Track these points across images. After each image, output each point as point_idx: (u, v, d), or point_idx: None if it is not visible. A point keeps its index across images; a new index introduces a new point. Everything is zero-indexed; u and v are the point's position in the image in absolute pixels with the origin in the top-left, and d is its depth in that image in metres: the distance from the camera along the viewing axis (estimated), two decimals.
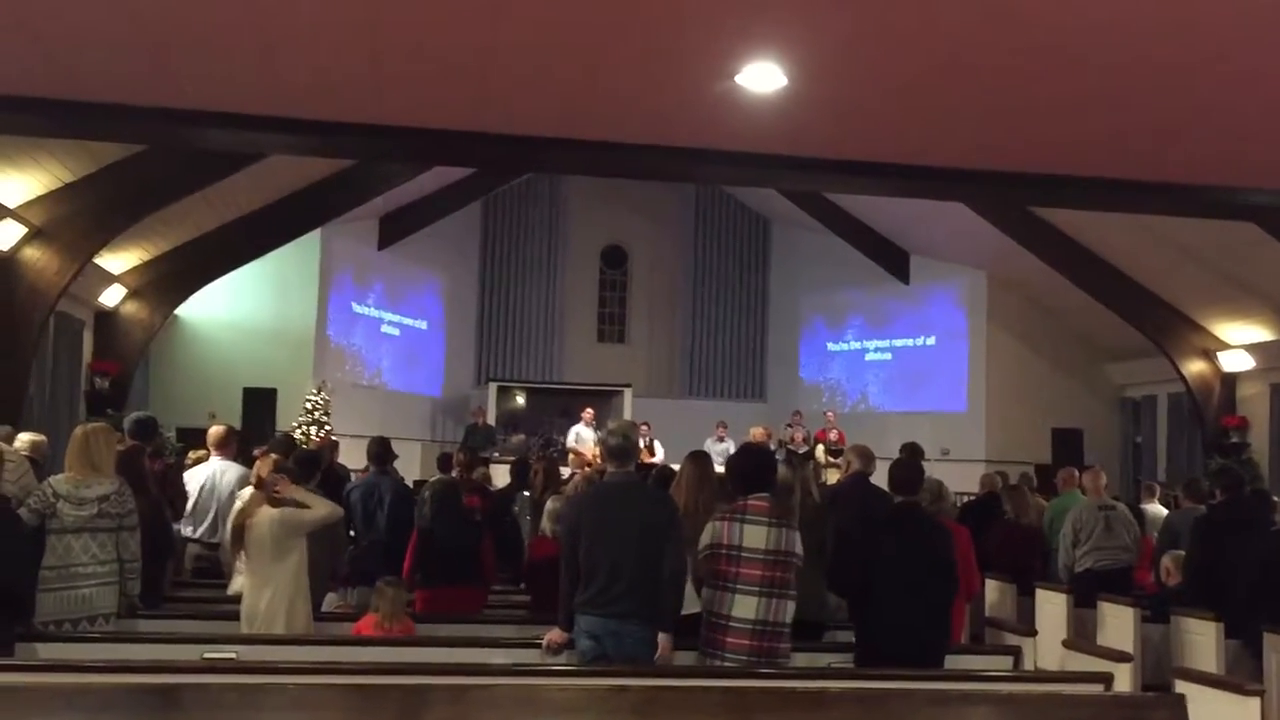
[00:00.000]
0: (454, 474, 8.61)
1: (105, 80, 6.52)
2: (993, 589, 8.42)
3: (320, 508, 5.62)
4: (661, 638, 4.90)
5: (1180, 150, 7.10)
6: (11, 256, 9.83)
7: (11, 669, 4.45)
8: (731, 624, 4.81)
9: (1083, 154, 7.24)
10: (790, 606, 4.91)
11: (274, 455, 6.68)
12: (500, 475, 11.36)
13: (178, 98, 6.76)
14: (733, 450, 7.37)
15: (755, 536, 4.84)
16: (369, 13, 5.47)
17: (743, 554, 4.82)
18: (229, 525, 5.63)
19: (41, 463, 6.52)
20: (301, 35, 5.82)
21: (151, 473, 6.69)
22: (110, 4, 5.45)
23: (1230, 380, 13.98)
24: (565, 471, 10.27)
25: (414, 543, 6.68)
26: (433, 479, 9.61)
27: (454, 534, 6.58)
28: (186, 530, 7.51)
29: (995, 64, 5.81)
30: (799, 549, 4.96)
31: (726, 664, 4.79)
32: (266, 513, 5.54)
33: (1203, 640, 7.01)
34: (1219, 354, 13.92)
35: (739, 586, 4.81)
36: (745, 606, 4.80)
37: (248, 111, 6.98)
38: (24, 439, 6.65)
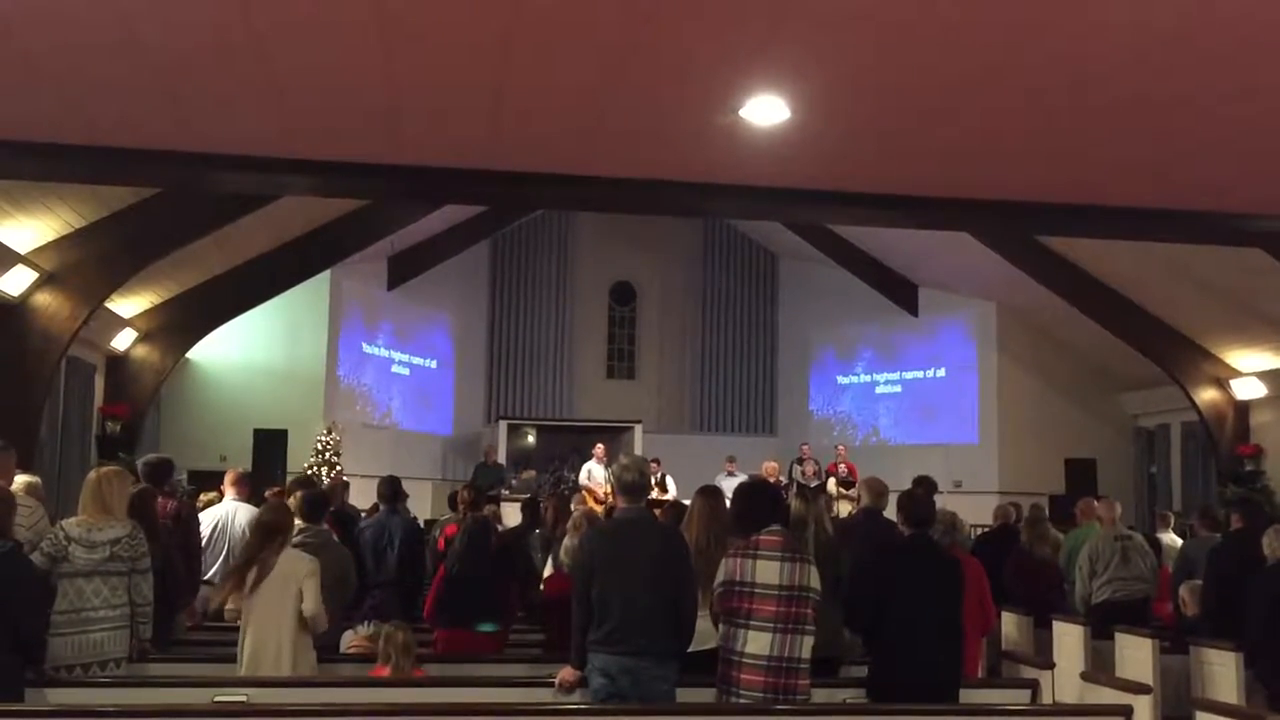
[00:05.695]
0: (459, 511, 8.56)
1: (120, 125, 6.59)
2: (1009, 621, 8.35)
3: (310, 598, 5.51)
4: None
5: (1187, 178, 7.11)
6: (23, 302, 9.89)
7: (22, 715, 4.43)
8: (745, 660, 4.75)
9: (1089, 183, 7.26)
10: (808, 642, 4.84)
11: (297, 494, 6.65)
12: (511, 514, 11.34)
13: (192, 141, 6.83)
14: None
15: (768, 572, 4.78)
16: (380, 55, 5.53)
17: (755, 590, 4.77)
18: (245, 568, 5.54)
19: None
20: (313, 78, 5.88)
21: (168, 513, 6.67)
22: (124, 50, 5.51)
23: (1243, 408, 13.91)
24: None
25: (437, 581, 6.63)
26: (443, 518, 9.61)
27: (480, 574, 6.52)
28: None
29: (1000, 96, 5.84)
30: (815, 583, 4.90)
31: (742, 701, 4.74)
32: (292, 555, 5.49)
33: (1222, 671, 6.94)
34: (1231, 382, 13.85)
35: (752, 622, 4.76)
36: (758, 643, 4.74)
37: (262, 154, 7.05)
38: (19, 481, 6.58)
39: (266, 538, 5.50)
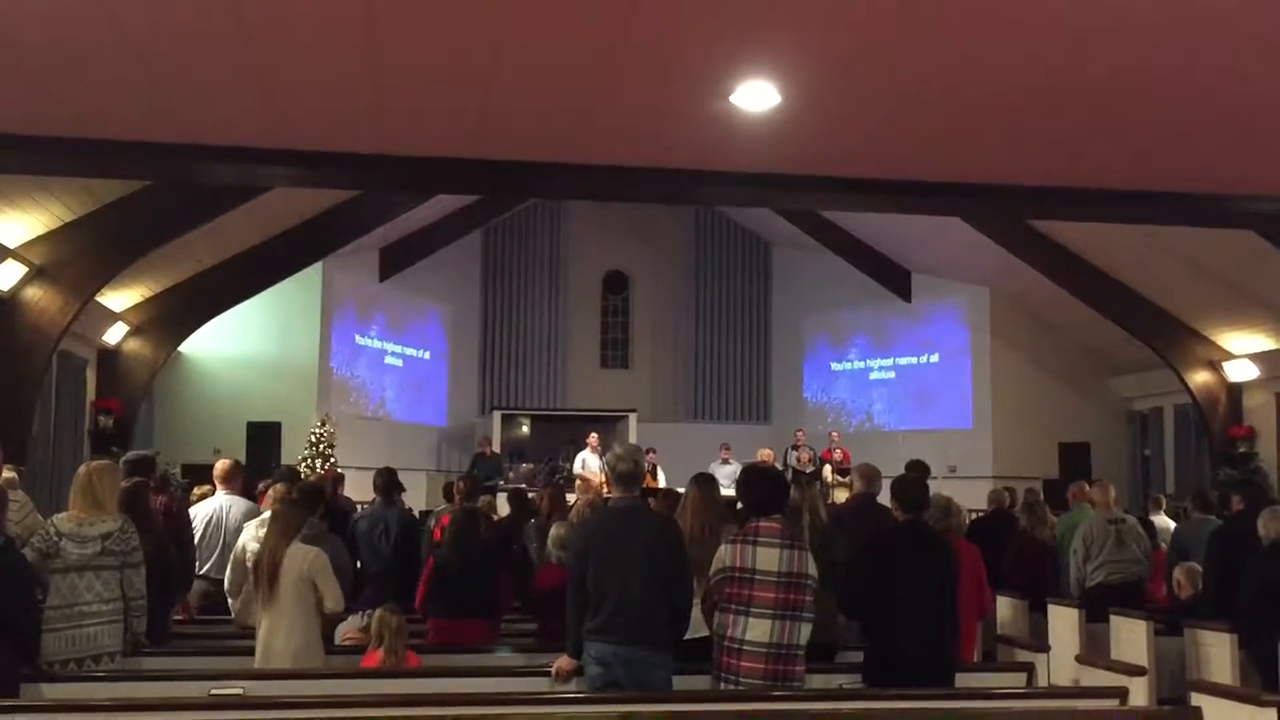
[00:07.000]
0: (455, 502, 8.56)
1: (107, 118, 6.55)
2: (1004, 605, 8.38)
3: (330, 596, 5.52)
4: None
5: (1178, 160, 7.10)
6: (13, 296, 9.85)
7: (18, 710, 4.42)
8: (745, 647, 4.75)
9: (1081, 166, 7.25)
10: (805, 629, 4.85)
11: (279, 485, 6.64)
12: (505, 505, 11.33)
13: (179, 133, 6.79)
14: (738, 472, 7.35)
15: (768, 559, 4.80)
16: (369, 45, 5.50)
17: (756, 577, 4.78)
18: (253, 562, 5.54)
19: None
20: (301, 68, 5.85)
21: (158, 507, 6.65)
22: (110, 42, 5.48)
23: (1236, 390, 13.94)
24: (571, 498, 10.22)
25: (428, 572, 6.62)
26: (439, 509, 9.61)
27: (470, 565, 6.51)
28: None
29: (990, 79, 5.82)
30: (813, 570, 4.91)
31: (740, 688, 4.74)
32: (300, 549, 5.48)
33: (1217, 652, 6.97)
34: (1224, 364, 13.88)
35: (752, 610, 4.76)
36: (759, 630, 4.75)
37: (250, 145, 7.01)
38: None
39: (280, 530, 5.51)
